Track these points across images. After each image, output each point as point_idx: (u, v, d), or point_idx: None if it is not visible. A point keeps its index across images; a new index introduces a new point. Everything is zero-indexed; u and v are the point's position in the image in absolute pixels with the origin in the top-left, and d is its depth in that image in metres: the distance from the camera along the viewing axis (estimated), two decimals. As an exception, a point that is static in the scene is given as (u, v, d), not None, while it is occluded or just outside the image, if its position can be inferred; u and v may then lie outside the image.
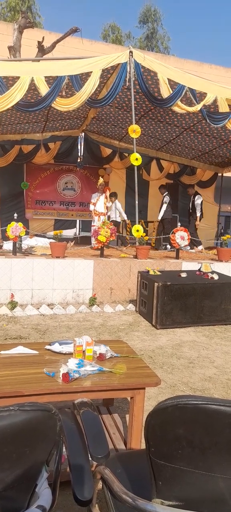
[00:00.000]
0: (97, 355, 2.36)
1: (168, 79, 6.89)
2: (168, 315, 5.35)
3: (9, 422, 0.94)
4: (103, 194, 9.18)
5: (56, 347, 2.47)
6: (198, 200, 10.25)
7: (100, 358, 2.34)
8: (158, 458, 1.02)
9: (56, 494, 1.24)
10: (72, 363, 2.18)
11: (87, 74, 6.66)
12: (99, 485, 1.54)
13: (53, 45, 11.81)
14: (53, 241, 6.94)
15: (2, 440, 0.93)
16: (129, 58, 6.80)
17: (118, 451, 2.27)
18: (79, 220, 11.69)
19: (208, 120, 7.36)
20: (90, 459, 1.37)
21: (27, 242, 8.26)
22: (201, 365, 4.02)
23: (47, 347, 2.49)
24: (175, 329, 5.32)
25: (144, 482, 1.30)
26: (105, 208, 9.18)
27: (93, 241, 8.09)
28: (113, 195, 9.71)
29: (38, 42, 11.35)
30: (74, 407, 1.80)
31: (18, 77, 6.28)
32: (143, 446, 2.09)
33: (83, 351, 2.34)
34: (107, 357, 2.37)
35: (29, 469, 1.04)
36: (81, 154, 11.44)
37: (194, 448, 0.97)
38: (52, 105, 6.67)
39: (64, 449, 1.35)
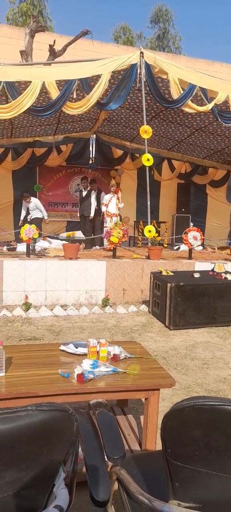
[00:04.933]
0: (112, 356, 2.37)
1: (178, 79, 6.85)
2: (181, 316, 5.32)
3: (27, 422, 0.95)
4: (115, 195, 9.18)
5: (70, 348, 2.49)
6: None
7: (114, 359, 2.35)
8: (175, 459, 1.02)
9: (73, 494, 1.25)
10: (86, 364, 2.20)
11: (98, 76, 6.68)
12: (116, 485, 1.55)
13: (64, 48, 11.89)
14: (66, 242, 6.99)
15: (20, 440, 0.94)
16: (140, 59, 6.79)
17: (133, 452, 2.27)
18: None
19: (219, 119, 7.28)
20: (106, 459, 1.38)
21: (40, 244, 8.34)
22: (215, 366, 3.99)
23: (62, 347, 2.52)
24: (188, 330, 5.28)
25: (160, 484, 1.30)
26: (117, 209, 9.18)
27: (105, 242, 8.10)
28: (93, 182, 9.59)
29: (50, 45, 11.44)
30: (89, 408, 1.81)
31: (30, 82, 6.36)
32: (158, 447, 2.08)
33: (98, 352, 2.35)
34: (121, 358, 2.38)
35: (46, 469, 1.05)
36: (93, 156, 11.49)
37: (211, 450, 0.97)
38: (63, 109, 6.73)
39: (80, 450, 1.36)
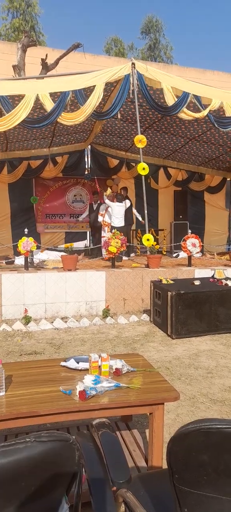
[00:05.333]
0: (114, 370, 2.32)
1: (171, 87, 6.88)
2: (183, 324, 5.26)
3: (26, 455, 0.90)
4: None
5: (71, 364, 2.44)
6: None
7: (117, 373, 2.30)
8: (182, 485, 0.97)
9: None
10: (88, 380, 2.15)
11: (92, 88, 6.70)
12: (122, 508, 1.50)
13: (56, 62, 11.94)
14: (64, 254, 6.95)
15: (20, 474, 0.89)
16: (132, 70, 6.82)
17: (139, 468, 2.22)
18: (90, 232, 11.71)
19: (216, 125, 7.29)
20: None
21: (38, 256, 8.30)
22: (220, 375, 3.93)
23: (63, 363, 2.47)
24: (191, 338, 5.22)
25: (168, 505, 1.25)
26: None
27: (104, 252, 8.07)
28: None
29: (42, 59, 11.49)
30: (92, 428, 1.76)
31: (23, 95, 6.37)
32: (164, 463, 2.03)
33: (99, 367, 2.30)
34: (123, 372, 2.33)
35: (49, 502, 1.00)
36: (89, 166, 11.51)
37: (220, 474, 0.92)
38: (58, 120, 6.72)
39: (84, 471, 1.31)
